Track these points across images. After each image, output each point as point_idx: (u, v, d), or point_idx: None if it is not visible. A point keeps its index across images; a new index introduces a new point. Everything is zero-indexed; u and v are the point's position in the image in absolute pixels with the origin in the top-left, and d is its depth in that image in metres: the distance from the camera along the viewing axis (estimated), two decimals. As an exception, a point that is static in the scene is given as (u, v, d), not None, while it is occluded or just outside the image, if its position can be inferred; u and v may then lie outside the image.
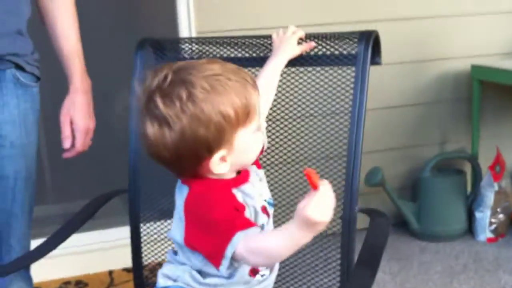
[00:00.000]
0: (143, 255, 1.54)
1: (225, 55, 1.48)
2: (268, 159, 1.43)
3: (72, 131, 1.48)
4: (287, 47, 1.33)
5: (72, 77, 1.48)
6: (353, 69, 1.30)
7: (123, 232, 2.55)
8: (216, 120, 0.99)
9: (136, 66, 1.51)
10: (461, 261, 2.58)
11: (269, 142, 1.42)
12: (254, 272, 1.11)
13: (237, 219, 0.99)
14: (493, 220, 2.73)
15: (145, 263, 1.54)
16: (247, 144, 1.05)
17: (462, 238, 2.79)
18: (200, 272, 1.09)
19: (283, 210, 1.40)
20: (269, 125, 1.40)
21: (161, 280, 1.13)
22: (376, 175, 2.62)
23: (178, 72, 1.01)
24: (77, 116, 1.47)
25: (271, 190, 1.34)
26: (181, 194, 1.08)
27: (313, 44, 1.35)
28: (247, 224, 1.00)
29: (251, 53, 1.45)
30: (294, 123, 1.43)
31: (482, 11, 2.85)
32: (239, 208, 1.05)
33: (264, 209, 1.12)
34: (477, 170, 2.82)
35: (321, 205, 0.89)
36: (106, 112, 3.07)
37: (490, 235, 2.74)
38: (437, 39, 2.82)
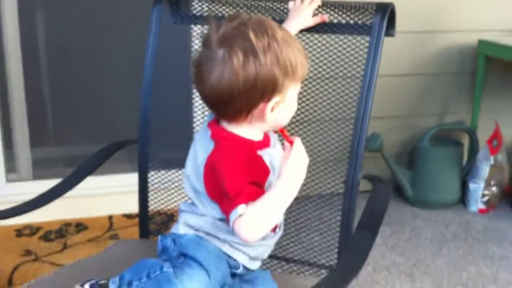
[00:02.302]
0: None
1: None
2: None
3: None
4: (301, 17, 1.37)
5: None
6: (367, 39, 1.33)
7: (123, 179, 2.65)
8: (287, 65, 1.07)
9: (152, 18, 1.54)
10: (451, 229, 2.66)
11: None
12: (274, 228, 1.18)
13: (243, 191, 1.04)
14: (486, 192, 2.80)
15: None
16: (292, 100, 1.13)
17: (454, 207, 2.87)
18: (222, 219, 1.14)
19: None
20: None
21: (182, 228, 1.18)
22: (375, 141, 2.67)
23: (258, 17, 1.11)
24: None
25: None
26: (206, 148, 1.14)
27: (325, 17, 1.38)
28: (252, 196, 1.04)
29: (266, 16, 1.47)
30: (306, 84, 1.46)
31: (493, -14, 2.86)
32: (264, 172, 1.11)
33: None
34: (475, 143, 2.88)
35: (299, 154, 1.04)
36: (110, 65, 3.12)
37: (482, 206, 2.81)
38: (446, 11, 2.83)
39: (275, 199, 1.04)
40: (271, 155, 1.14)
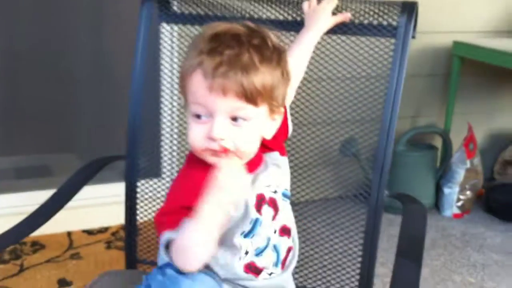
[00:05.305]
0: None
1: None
2: (305, 118, 1.36)
3: None
4: (321, 20, 1.22)
5: None
6: (393, 41, 1.21)
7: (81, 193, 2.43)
8: None
9: (141, 17, 1.39)
10: (429, 236, 2.59)
11: (306, 101, 1.36)
12: (252, 270, 1.05)
13: (169, 218, 0.94)
14: (460, 197, 2.75)
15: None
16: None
17: (428, 212, 2.79)
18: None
19: (314, 170, 1.42)
20: (304, 85, 1.32)
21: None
22: (352, 146, 2.56)
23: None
24: None
25: (306, 148, 1.35)
26: None
27: (348, 15, 1.25)
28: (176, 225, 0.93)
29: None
30: (331, 84, 1.36)
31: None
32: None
33: (271, 202, 1.05)
34: (448, 146, 2.82)
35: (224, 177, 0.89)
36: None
37: (456, 211, 2.76)
38: (421, 12, 2.76)
39: (192, 226, 0.90)
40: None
